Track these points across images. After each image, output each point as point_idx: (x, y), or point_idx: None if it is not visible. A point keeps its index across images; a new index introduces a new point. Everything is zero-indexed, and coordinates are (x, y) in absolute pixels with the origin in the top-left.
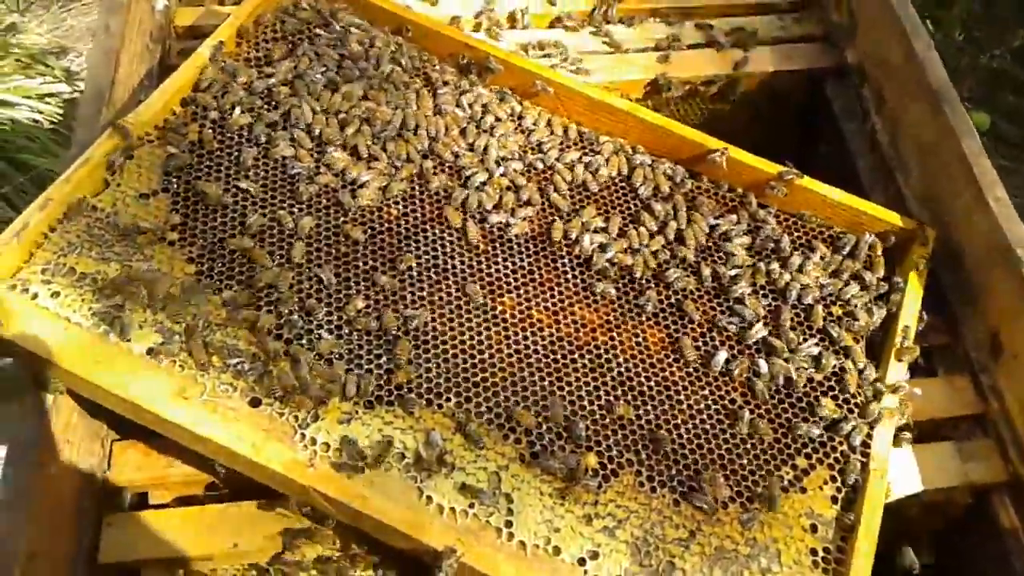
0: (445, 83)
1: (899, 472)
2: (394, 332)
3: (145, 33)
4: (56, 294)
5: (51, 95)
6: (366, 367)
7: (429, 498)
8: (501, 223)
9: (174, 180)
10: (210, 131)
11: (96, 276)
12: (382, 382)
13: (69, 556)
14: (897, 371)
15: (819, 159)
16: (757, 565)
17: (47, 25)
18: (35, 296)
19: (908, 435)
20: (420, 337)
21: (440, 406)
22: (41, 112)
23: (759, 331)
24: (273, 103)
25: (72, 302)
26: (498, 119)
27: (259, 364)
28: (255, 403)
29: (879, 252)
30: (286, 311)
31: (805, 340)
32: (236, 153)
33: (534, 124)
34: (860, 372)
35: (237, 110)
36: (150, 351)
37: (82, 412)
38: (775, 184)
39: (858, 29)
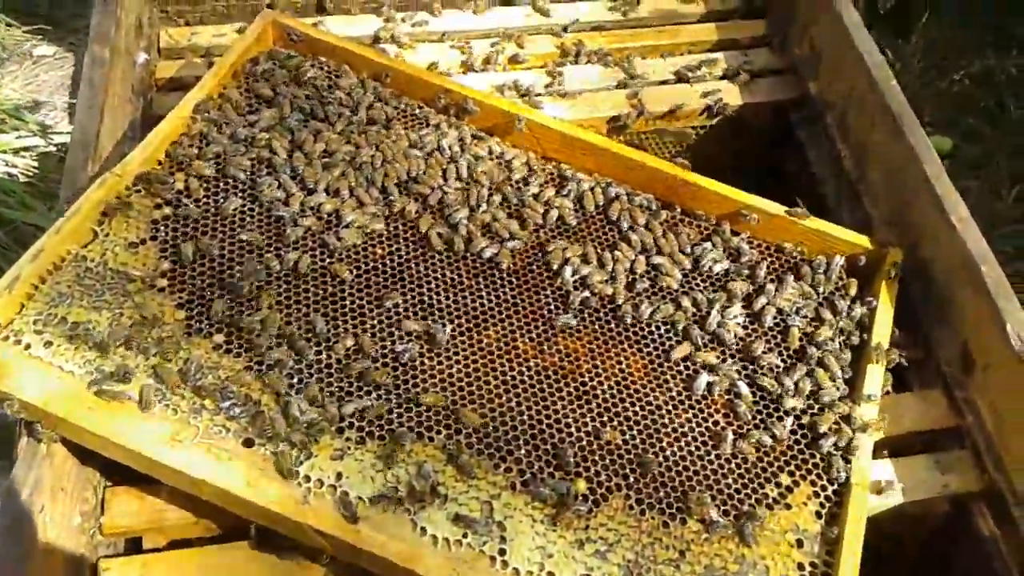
0: (425, 125)
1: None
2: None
3: (127, 86)
4: (49, 344)
5: (25, 149)
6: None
7: (423, 529)
8: (488, 255)
9: (162, 228)
10: (196, 180)
11: (88, 325)
12: (373, 416)
13: None
14: (873, 387)
15: (786, 185)
16: None
17: (20, 80)
18: (28, 346)
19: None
20: (409, 371)
21: (431, 439)
22: (16, 166)
23: (738, 354)
24: (256, 150)
25: (65, 351)
26: (477, 157)
27: (251, 406)
28: (248, 443)
29: (847, 275)
30: (276, 354)
31: (783, 361)
32: (222, 201)
33: (512, 161)
34: (837, 391)
35: (222, 159)
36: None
37: (75, 460)
38: (747, 213)
39: (820, 61)
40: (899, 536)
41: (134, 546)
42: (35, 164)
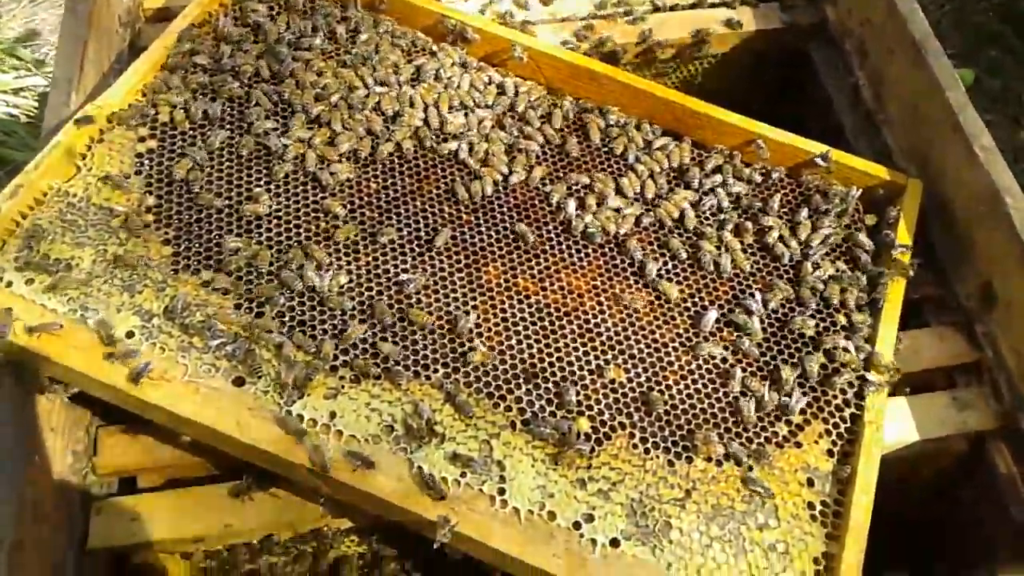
0: (422, 54)
1: (894, 423)
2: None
3: (113, 17)
4: (31, 281)
5: (25, 89)
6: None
7: (420, 469)
8: (488, 190)
9: (147, 162)
10: (182, 112)
11: (71, 262)
12: (368, 356)
13: (58, 544)
14: (889, 323)
15: (802, 115)
16: (754, 520)
17: (19, 19)
18: (9, 284)
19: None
20: (406, 309)
21: (428, 378)
22: (17, 107)
23: (748, 288)
24: (243, 80)
25: (47, 289)
26: (476, 88)
27: (241, 343)
28: (239, 382)
29: (864, 207)
30: (268, 289)
31: (795, 295)
32: (208, 133)
33: (513, 92)
34: (852, 325)
35: (207, 89)
36: (129, 334)
37: (65, 399)
38: (761, 144)
39: None
40: (912, 475)
41: (129, 487)
42: (35, 104)
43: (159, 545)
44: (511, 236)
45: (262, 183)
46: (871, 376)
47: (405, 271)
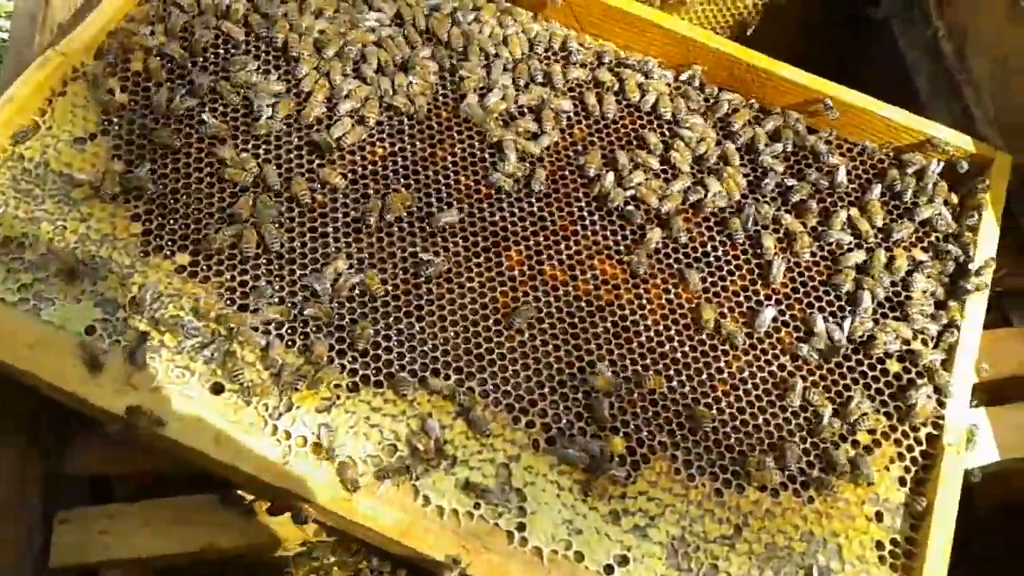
0: None
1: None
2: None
3: None
4: None
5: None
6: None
7: (426, 498)
8: (512, 160)
9: (115, 120)
10: (157, 60)
11: (23, 241)
12: (368, 358)
13: (10, 563)
14: (972, 322)
15: (870, 72)
16: (815, 564)
17: None
18: None
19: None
20: (413, 302)
21: (437, 386)
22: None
23: (810, 282)
24: (231, 22)
25: None
26: (502, 34)
27: (220, 343)
28: (217, 389)
29: (945, 184)
30: (251, 277)
31: (864, 292)
32: (188, 84)
33: (544, 42)
34: (932, 328)
35: (188, 33)
36: (89, 330)
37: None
38: (830, 104)
39: None
40: (995, 502)
41: (99, 496)
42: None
43: (133, 564)
44: (536, 215)
45: (249, 147)
46: (950, 385)
47: (415, 254)
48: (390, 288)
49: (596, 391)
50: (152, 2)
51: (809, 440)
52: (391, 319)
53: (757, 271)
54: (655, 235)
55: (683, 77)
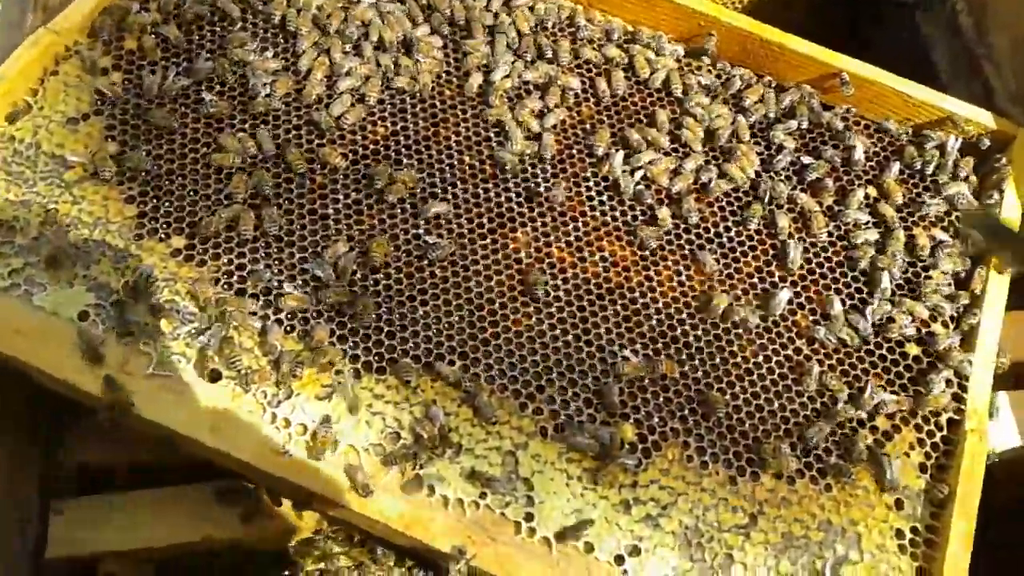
0: None
1: (994, 423)
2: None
3: None
4: None
5: None
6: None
7: (431, 488)
8: (517, 138)
9: (109, 100)
10: (152, 38)
11: (14, 224)
12: (370, 343)
13: (5, 554)
14: (995, 304)
15: (885, 46)
16: (832, 553)
17: None
18: None
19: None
20: (417, 285)
21: (442, 371)
22: None
23: (827, 262)
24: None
25: None
26: (509, 12)
27: (217, 328)
28: (214, 377)
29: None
30: (249, 260)
31: (883, 273)
32: (185, 63)
33: (552, 17)
34: (951, 310)
35: (183, 9)
36: (82, 315)
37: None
38: (846, 77)
39: None
40: (1015, 488)
41: (95, 486)
42: None
43: (129, 555)
44: (543, 195)
45: (247, 127)
46: (971, 369)
47: (418, 236)
48: (393, 271)
49: (623, 376)
50: None
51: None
52: (394, 303)
53: (772, 252)
54: (666, 215)
55: (694, 51)
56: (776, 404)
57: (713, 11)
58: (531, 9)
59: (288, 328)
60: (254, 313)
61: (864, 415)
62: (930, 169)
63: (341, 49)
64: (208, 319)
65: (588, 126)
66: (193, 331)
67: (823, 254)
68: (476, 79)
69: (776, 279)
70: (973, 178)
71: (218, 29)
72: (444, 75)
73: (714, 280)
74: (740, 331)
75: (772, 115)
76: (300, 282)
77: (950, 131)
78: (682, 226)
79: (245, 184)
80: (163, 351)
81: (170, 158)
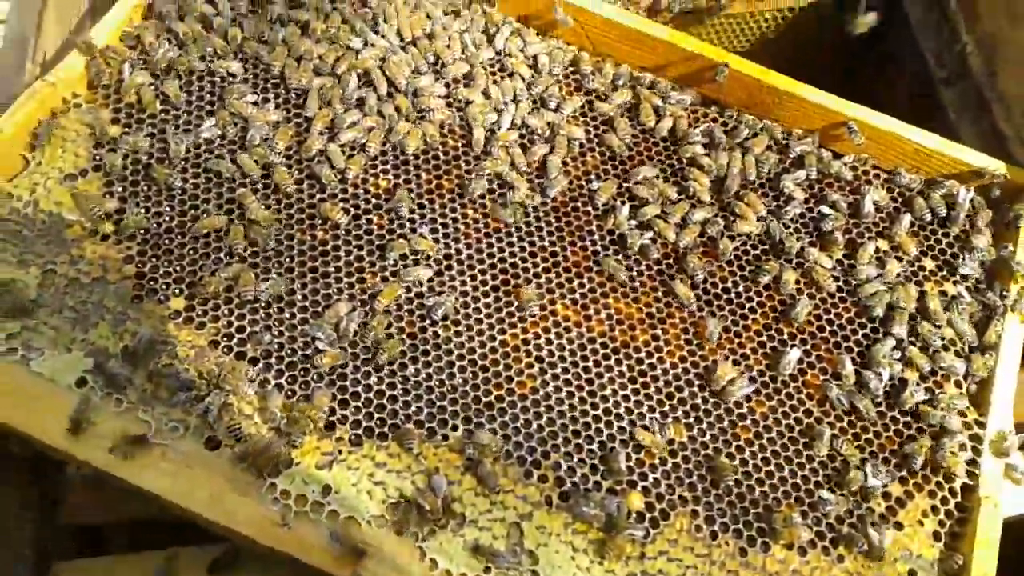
0: (443, 13)
1: (1010, 489)
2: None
3: None
4: None
5: None
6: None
7: (434, 562)
8: (519, 195)
9: (108, 155)
10: (151, 91)
11: (11, 287)
12: (372, 408)
13: None
14: (1009, 363)
15: (893, 88)
16: None
17: None
18: None
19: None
20: (420, 346)
21: (445, 437)
22: None
23: (838, 318)
24: (227, 50)
25: None
26: (507, 55)
27: (216, 395)
28: (212, 445)
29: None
30: (249, 322)
31: (895, 331)
32: (188, 117)
33: (557, 64)
34: (964, 370)
35: (181, 63)
36: (80, 382)
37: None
38: (854, 127)
39: None
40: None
41: (94, 546)
42: None
43: None
44: (548, 249)
45: (247, 185)
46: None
47: (421, 295)
48: (395, 331)
49: (642, 447)
50: (145, 31)
51: (838, 492)
52: (396, 364)
53: (780, 308)
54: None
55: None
56: (787, 470)
57: (720, 58)
58: (534, 56)
59: (289, 393)
60: (253, 379)
61: (876, 483)
62: (943, 220)
63: (342, 99)
64: (207, 385)
65: (593, 176)
66: (192, 397)
67: (833, 311)
68: (480, 132)
69: (785, 336)
70: (987, 230)
71: (218, 81)
72: (447, 125)
73: (719, 345)
74: (750, 392)
75: (780, 165)
76: (301, 344)
77: (958, 179)
78: (689, 282)
79: (244, 238)
80: (161, 418)
81: (170, 216)
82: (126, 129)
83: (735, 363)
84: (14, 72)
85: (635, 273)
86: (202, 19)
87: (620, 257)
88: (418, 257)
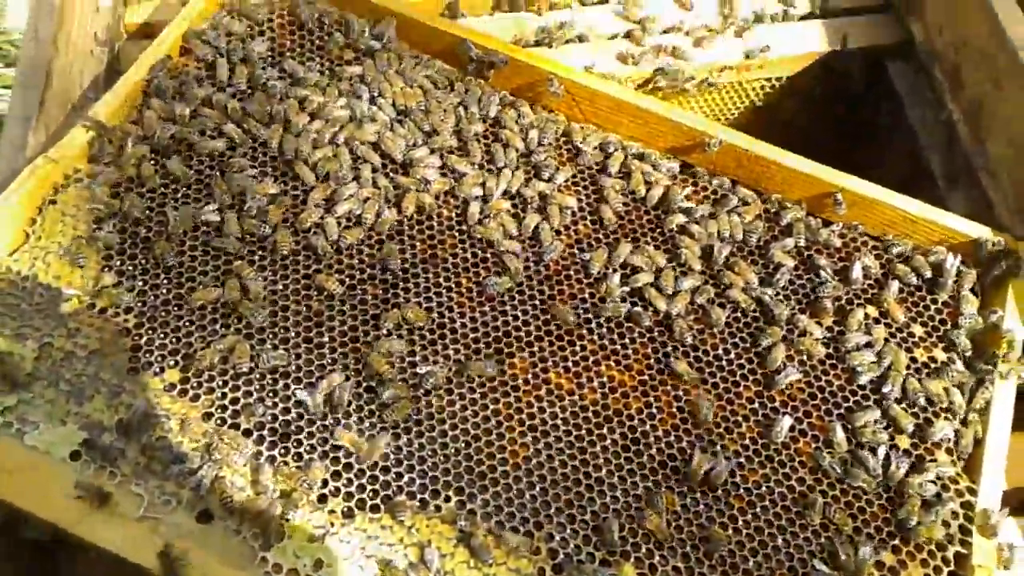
0: (439, 88)
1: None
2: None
3: (88, 36)
4: None
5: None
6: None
7: None
8: (511, 267)
9: (106, 228)
10: (151, 165)
11: (8, 361)
12: (364, 480)
13: None
14: (1000, 426)
15: (881, 157)
16: None
17: (24, 7)
18: None
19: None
20: (412, 416)
21: (438, 508)
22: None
23: (829, 386)
24: (225, 125)
25: None
26: (502, 126)
27: (209, 468)
28: (205, 518)
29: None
30: (243, 394)
31: (886, 398)
32: (187, 191)
33: (547, 134)
34: (953, 436)
35: (181, 139)
36: (74, 455)
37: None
38: (840, 199)
39: None
40: None
41: None
42: None
43: None
44: (541, 317)
45: (244, 253)
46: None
47: (414, 364)
48: (388, 399)
49: (649, 532)
50: (146, 110)
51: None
52: (388, 436)
53: (771, 375)
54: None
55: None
56: (780, 540)
57: (709, 128)
58: (526, 128)
59: (281, 465)
60: (246, 451)
61: (869, 551)
62: (931, 287)
63: (338, 172)
64: (200, 458)
65: (584, 245)
66: (185, 471)
67: (824, 378)
68: (475, 205)
69: (777, 404)
70: (973, 298)
71: (217, 156)
72: (441, 196)
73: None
74: (741, 461)
75: (770, 233)
76: (295, 415)
77: (947, 247)
78: (680, 349)
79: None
80: (155, 491)
81: (167, 288)
82: (125, 203)
83: (726, 430)
84: (16, 148)
85: (628, 340)
86: (203, 100)
87: (612, 324)
88: (411, 327)
